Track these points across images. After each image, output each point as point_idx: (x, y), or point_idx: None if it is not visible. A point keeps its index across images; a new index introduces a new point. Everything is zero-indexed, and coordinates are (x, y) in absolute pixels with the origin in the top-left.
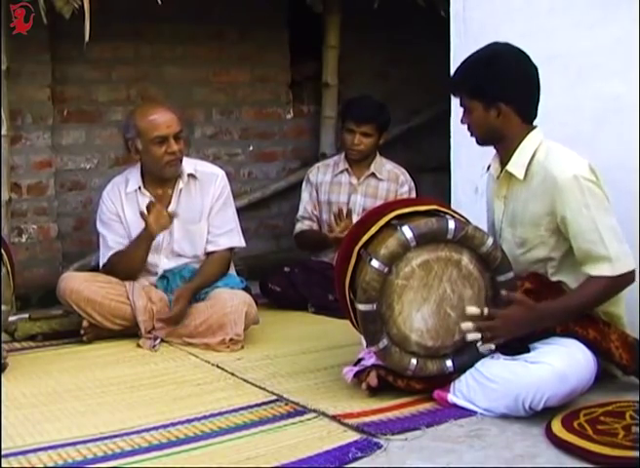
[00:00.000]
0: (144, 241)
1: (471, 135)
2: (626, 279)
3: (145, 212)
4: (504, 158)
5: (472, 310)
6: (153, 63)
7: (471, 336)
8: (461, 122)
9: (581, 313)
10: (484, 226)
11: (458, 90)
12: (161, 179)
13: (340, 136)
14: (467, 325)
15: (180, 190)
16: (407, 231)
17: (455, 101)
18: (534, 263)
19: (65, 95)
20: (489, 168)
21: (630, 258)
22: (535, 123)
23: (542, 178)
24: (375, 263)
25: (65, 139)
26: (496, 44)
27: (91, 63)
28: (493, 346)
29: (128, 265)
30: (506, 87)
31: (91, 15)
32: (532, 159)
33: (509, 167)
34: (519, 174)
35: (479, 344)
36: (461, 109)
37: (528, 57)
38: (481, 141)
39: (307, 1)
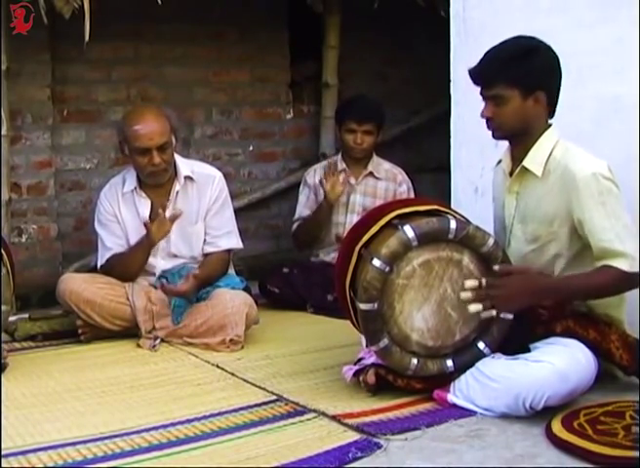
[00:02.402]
0: (145, 248)
1: (490, 127)
2: (637, 279)
3: (148, 220)
4: (520, 154)
5: (470, 283)
6: (153, 63)
7: (473, 307)
8: (482, 116)
9: (584, 298)
10: (484, 226)
11: (492, 79)
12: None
13: (339, 137)
14: (467, 294)
15: (177, 192)
16: (408, 230)
17: (455, 101)
18: (543, 260)
19: (65, 95)
20: (499, 162)
21: None
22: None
23: (560, 176)
24: (376, 262)
25: (65, 139)
26: (524, 37)
27: (91, 63)
28: (494, 312)
29: (126, 269)
30: (547, 76)
31: (91, 15)
32: (549, 156)
33: (526, 163)
34: (537, 170)
35: (481, 312)
36: (482, 103)
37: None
38: (503, 134)
39: (307, 1)
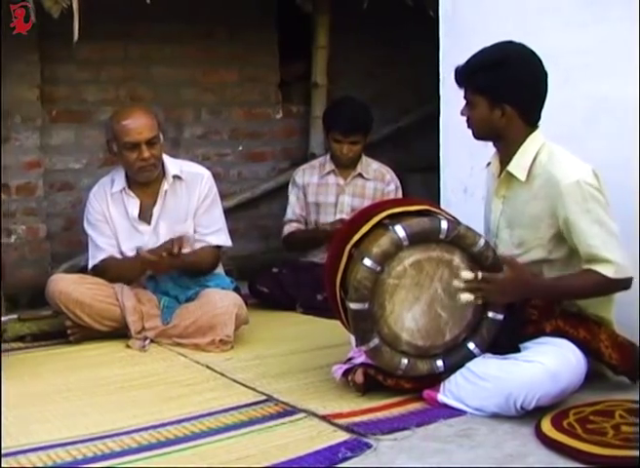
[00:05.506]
0: (138, 269)
1: (469, 127)
2: (623, 284)
3: (141, 248)
4: (505, 157)
5: (466, 274)
6: (142, 63)
7: (464, 297)
8: (461, 114)
9: (568, 298)
10: (474, 226)
11: (464, 82)
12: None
13: (326, 142)
14: (460, 283)
15: (166, 191)
16: (399, 230)
17: (444, 102)
18: (530, 264)
19: (54, 95)
20: (488, 164)
21: (630, 266)
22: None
23: (545, 181)
24: (367, 262)
25: (54, 140)
26: (510, 44)
27: (80, 63)
28: (480, 301)
29: (119, 279)
30: (514, 90)
31: (80, 14)
32: (533, 161)
33: (511, 168)
34: (521, 175)
35: (469, 299)
36: (464, 101)
37: (540, 60)
38: (478, 137)
39: (297, 1)
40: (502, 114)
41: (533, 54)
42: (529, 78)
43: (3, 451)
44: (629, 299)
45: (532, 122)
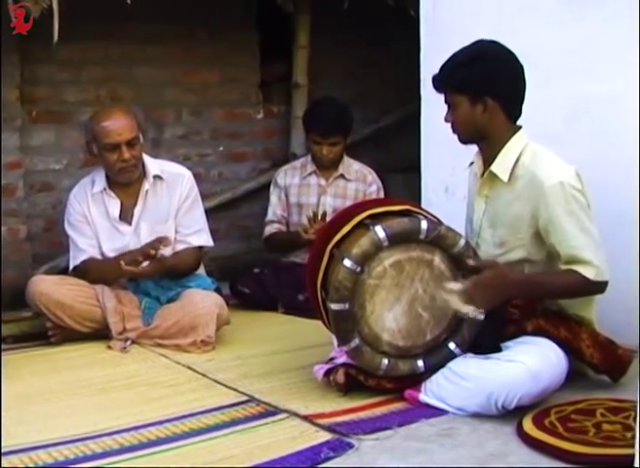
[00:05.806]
0: (119, 272)
1: (454, 132)
2: (600, 287)
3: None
4: (488, 157)
5: (455, 286)
6: (123, 64)
7: (466, 309)
8: (445, 120)
9: (549, 297)
10: (455, 226)
11: (444, 85)
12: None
13: (307, 144)
14: (455, 300)
15: (146, 192)
16: (379, 231)
17: (425, 101)
18: (511, 264)
19: (35, 95)
20: (471, 164)
21: (607, 270)
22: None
23: (528, 182)
24: (347, 263)
25: (35, 140)
26: (483, 41)
27: (60, 64)
28: (482, 313)
29: (100, 280)
30: (493, 82)
31: (60, 15)
32: (517, 161)
33: (494, 168)
34: (504, 176)
35: (471, 313)
36: (446, 107)
37: (514, 54)
38: (464, 139)
39: (278, 1)
40: (484, 109)
41: (508, 49)
42: (506, 70)
43: None
44: (628, 307)
45: (514, 116)
